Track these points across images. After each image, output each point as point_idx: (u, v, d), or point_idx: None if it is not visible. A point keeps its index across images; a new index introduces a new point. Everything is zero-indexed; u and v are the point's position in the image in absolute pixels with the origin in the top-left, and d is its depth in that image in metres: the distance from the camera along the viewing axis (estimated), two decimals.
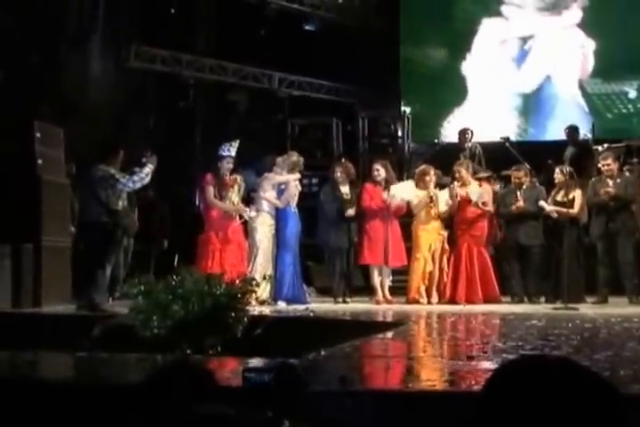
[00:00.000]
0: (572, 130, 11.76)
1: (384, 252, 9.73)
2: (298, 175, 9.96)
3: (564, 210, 9.46)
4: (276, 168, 9.82)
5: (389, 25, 14.14)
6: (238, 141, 9.57)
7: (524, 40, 13.86)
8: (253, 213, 9.53)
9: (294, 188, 9.85)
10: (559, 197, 9.52)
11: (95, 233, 8.39)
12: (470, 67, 13.93)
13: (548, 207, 9.52)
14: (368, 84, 13.93)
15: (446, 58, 14.03)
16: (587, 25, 13.43)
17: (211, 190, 9.42)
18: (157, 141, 12.32)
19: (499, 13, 13.95)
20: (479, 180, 10.33)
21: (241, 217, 9.55)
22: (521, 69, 13.87)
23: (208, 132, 14.39)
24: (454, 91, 13.87)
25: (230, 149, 9.47)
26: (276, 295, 9.48)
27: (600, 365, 4.46)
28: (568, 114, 12.23)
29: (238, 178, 9.62)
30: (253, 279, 6.74)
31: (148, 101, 13.59)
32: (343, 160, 10.69)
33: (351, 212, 9.76)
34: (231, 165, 9.53)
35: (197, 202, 10.44)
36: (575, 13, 13.57)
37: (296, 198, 9.88)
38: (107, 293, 8.79)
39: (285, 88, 14.10)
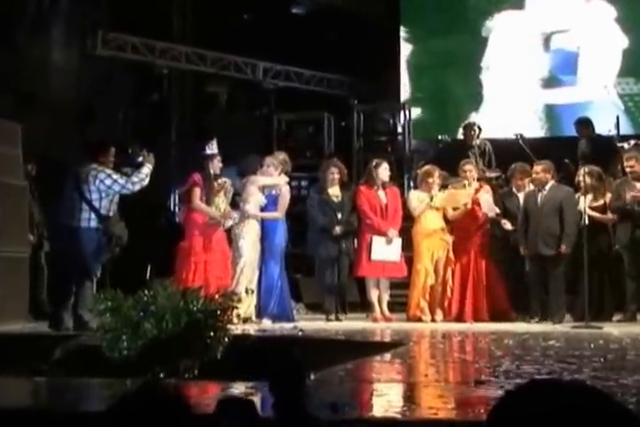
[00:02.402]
0: (582, 124, 11.65)
1: (382, 263, 9.73)
2: (286, 178, 9.93)
3: (609, 216, 9.39)
4: (268, 168, 9.74)
5: (388, 8, 14.14)
6: (215, 139, 9.56)
7: (554, 35, 13.77)
8: (230, 223, 9.46)
9: (288, 193, 9.85)
10: (587, 203, 9.28)
11: (82, 241, 8.30)
12: (488, 63, 13.89)
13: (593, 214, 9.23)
14: (364, 74, 13.92)
15: (457, 52, 13.90)
16: (622, 20, 13.37)
17: (198, 193, 9.37)
18: (127, 138, 12.29)
19: (521, 5, 13.89)
20: (481, 180, 10.35)
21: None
22: (551, 68, 13.82)
23: (184, 128, 14.39)
24: (468, 92, 13.83)
25: (214, 147, 9.45)
26: (260, 312, 9.47)
27: (626, 391, 4.46)
28: (605, 117, 12.05)
29: (227, 182, 9.58)
30: (235, 294, 6.73)
31: (117, 94, 13.56)
32: (335, 159, 10.68)
33: (338, 230, 9.79)
34: (221, 164, 9.51)
35: (177, 206, 10.35)
36: (614, 5, 13.55)
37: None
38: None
39: (271, 79, 14.07)
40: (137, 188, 8.53)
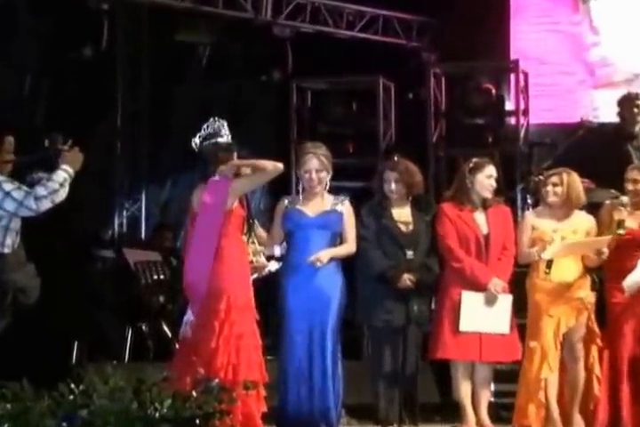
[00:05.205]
0: None
1: (479, 337, 9.76)
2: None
3: None
4: (319, 175, 9.61)
5: None
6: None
7: None
8: (275, 266, 9.55)
9: (351, 208, 9.79)
10: None
11: None
12: None
13: None
14: (448, 12, 14.15)
15: None
16: None
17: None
18: (40, 119, 12.35)
19: None
20: None
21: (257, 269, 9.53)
22: None
23: (138, 103, 14.52)
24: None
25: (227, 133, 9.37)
26: (276, 419, 9.43)
27: None
28: None
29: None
30: (223, 389, 6.66)
31: (20, 49, 13.74)
32: (397, 158, 10.62)
33: (408, 279, 9.72)
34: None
35: (123, 237, 10.23)
36: None
37: None
38: None
39: (286, 20, 14.25)
40: (45, 206, 8.44)
